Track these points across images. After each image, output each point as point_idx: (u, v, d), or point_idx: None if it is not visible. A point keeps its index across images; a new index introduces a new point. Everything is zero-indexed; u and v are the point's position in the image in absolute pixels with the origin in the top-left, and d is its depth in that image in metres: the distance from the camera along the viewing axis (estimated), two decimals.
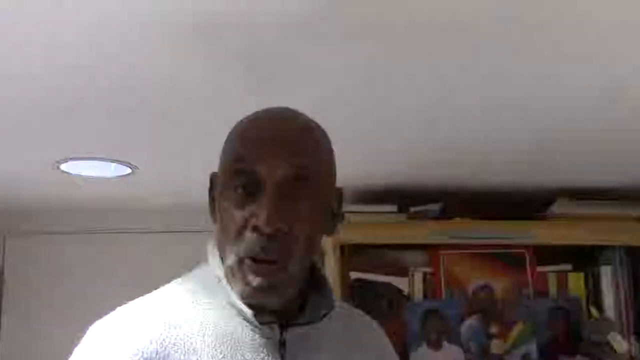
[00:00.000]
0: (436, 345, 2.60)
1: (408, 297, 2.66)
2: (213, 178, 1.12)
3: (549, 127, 2.07)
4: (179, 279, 1.13)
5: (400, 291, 2.67)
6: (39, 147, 2.27)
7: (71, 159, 2.42)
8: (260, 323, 1.02)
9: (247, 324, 1.03)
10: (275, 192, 0.99)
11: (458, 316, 2.63)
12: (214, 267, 1.09)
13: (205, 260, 1.13)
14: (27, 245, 3.30)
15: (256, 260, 1.00)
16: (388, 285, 2.66)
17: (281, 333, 1.04)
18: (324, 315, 1.07)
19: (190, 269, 1.16)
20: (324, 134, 1.11)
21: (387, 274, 2.67)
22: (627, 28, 1.40)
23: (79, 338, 1.04)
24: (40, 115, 1.95)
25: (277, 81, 1.70)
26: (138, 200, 3.12)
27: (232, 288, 1.04)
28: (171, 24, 1.37)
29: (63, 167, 2.51)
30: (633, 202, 2.72)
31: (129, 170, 2.58)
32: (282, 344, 1.04)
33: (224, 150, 1.08)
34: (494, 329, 2.62)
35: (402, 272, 2.69)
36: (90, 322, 1.07)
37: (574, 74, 1.66)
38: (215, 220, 1.10)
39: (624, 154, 2.33)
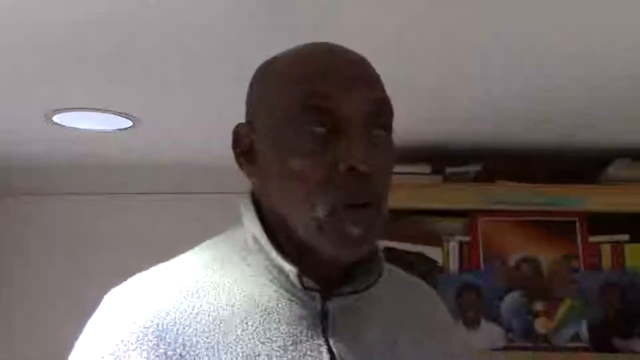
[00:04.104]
0: (473, 324, 2.57)
1: (442, 269, 2.64)
2: (241, 130, 1.08)
3: (607, 76, 2.00)
4: (207, 242, 1.10)
5: (433, 262, 2.64)
6: (28, 95, 2.22)
7: (65, 109, 2.38)
8: (304, 287, 0.98)
9: (284, 293, 1.00)
10: (363, 127, 0.97)
11: (498, 291, 2.60)
12: (251, 226, 1.05)
13: (236, 222, 1.10)
14: (16, 208, 3.29)
15: (354, 207, 0.96)
16: (419, 255, 2.64)
17: (323, 303, 1.00)
18: (373, 283, 1.03)
19: (205, 235, 1.13)
20: None
21: (418, 242, 2.65)
22: None
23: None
24: (29, 59, 1.91)
25: (298, 21, 1.65)
26: (140, 157, 3.09)
27: (316, 246, 0.98)
28: None
29: (55, 118, 2.47)
30: None
31: (130, 123, 2.54)
32: (324, 316, 1.00)
33: (278, 91, 1.02)
34: (538, 306, 2.59)
35: (436, 240, 2.67)
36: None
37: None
38: (252, 175, 1.06)
39: None
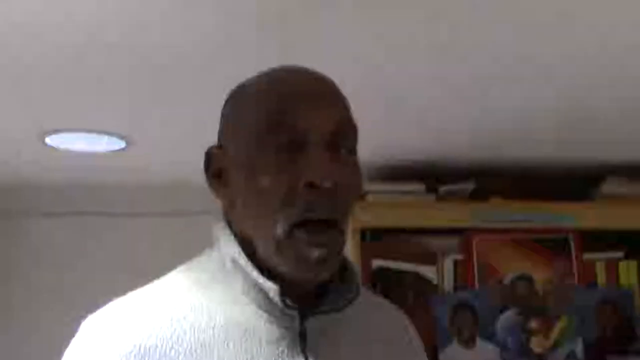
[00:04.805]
0: (468, 342, 2.56)
1: (437, 288, 2.63)
2: (213, 152, 1.09)
3: (599, 94, 2.00)
4: (183, 266, 1.10)
5: (427, 281, 2.63)
6: (21, 117, 2.21)
7: (58, 131, 2.37)
8: (285, 306, 0.99)
9: (263, 313, 1.01)
10: (325, 145, 0.99)
11: (493, 310, 2.59)
12: (228, 248, 1.05)
13: (212, 244, 1.10)
14: (8, 228, 3.28)
15: (313, 225, 0.97)
16: (414, 274, 2.62)
17: (301, 322, 1.01)
18: (349, 302, 1.03)
19: (194, 256, 1.13)
20: None
21: (413, 261, 2.63)
22: None
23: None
24: (22, 80, 1.90)
25: (291, 46, 1.65)
26: (133, 178, 3.08)
27: (277, 266, 0.99)
28: None
29: (48, 140, 2.46)
30: None
31: (123, 144, 2.53)
32: (301, 335, 1.01)
33: (246, 112, 1.04)
34: (534, 324, 2.58)
35: (430, 259, 2.66)
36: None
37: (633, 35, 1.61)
38: (223, 197, 1.06)
39: None
